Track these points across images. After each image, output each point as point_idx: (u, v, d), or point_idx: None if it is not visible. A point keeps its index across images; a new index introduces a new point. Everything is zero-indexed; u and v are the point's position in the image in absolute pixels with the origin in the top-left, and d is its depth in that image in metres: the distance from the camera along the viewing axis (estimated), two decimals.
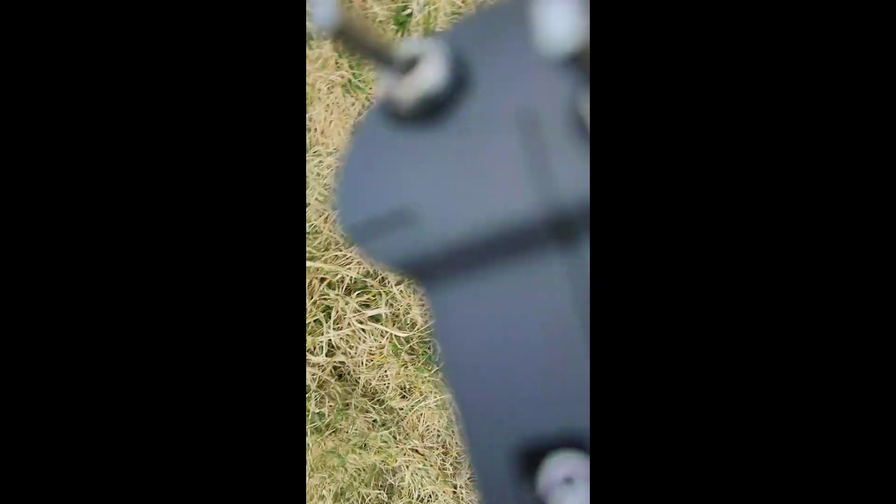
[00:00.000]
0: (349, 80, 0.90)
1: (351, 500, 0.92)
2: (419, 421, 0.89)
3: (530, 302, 0.16)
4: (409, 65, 0.17)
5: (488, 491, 0.17)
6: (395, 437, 0.90)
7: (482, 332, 0.17)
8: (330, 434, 0.91)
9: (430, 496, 0.89)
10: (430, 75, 0.17)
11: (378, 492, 0.91)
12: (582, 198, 0.15)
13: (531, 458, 0.16)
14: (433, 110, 0.17)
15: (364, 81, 0.90)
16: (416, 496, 0.89)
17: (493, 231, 0.16)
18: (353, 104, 0.90)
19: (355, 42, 0.16)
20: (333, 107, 0.91)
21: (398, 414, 0.90)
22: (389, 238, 0.18)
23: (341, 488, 0.92)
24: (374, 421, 0.91)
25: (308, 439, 0.91)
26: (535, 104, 0.16)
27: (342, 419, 0.91)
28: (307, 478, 0.91)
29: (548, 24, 0.12)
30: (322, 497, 0.92)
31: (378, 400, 0.91)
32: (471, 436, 0.17)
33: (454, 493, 0.87)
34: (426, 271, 0.18)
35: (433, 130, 0.17)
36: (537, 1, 0.15)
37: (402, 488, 0.90)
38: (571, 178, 0.15)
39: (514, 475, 0.17)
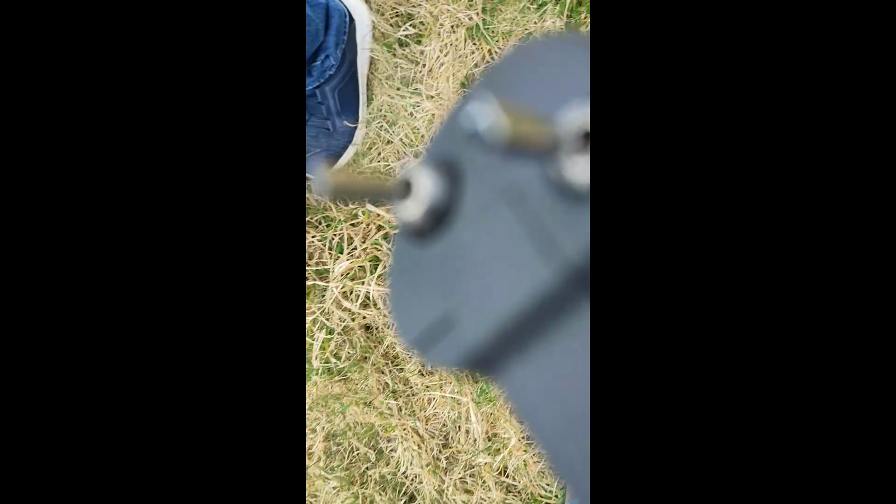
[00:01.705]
0: (477, 25, 0.79)
1: (341, 446, 0.90)
2: (428, 404, 0.85)
3: (582, 355, 0.17)
4: (405, 190, 0.19)
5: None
6: (400, 410, 0.86)
7: (557, 398, 0.18)
8: (339, 381, 0.88)
9: (416, 477, 0.86)
10: (424, 193, 0.19)
11: (367, 450, 0.89)
12: (586, 249, 0.16)
13: None
14: (441, 218, 0.19)
15: (493, 34, 0.78)
16: (401, 471, 0.87)
17: (528, 306, 0.17)
18: (473, 53, 0.80)
19: (352, 196, 0.18)
20: (450, 48, 0.80)
21: (412, 388, 0.86)
22: (445, 342, 0.19)
23: (334, 431, 0.90)
24: (386, 385, 0.87)
25: (316, 377, 0.88)
26: (516, 180, 0.18)
27: (356, 371, 0.87)
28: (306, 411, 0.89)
29: (471, 116, 0.15)
30: (313, 431, 0.91)
31: (398, 366, 0.87)
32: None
33: (440, 486, 0.84)
34: (487, 363, 0.19)
35: (448, 233, 0.19)
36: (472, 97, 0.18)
37: (392, 458, 0.87)
38: (569, 234, 0.17)
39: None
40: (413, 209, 0.19)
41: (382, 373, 0.87)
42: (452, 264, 0.19)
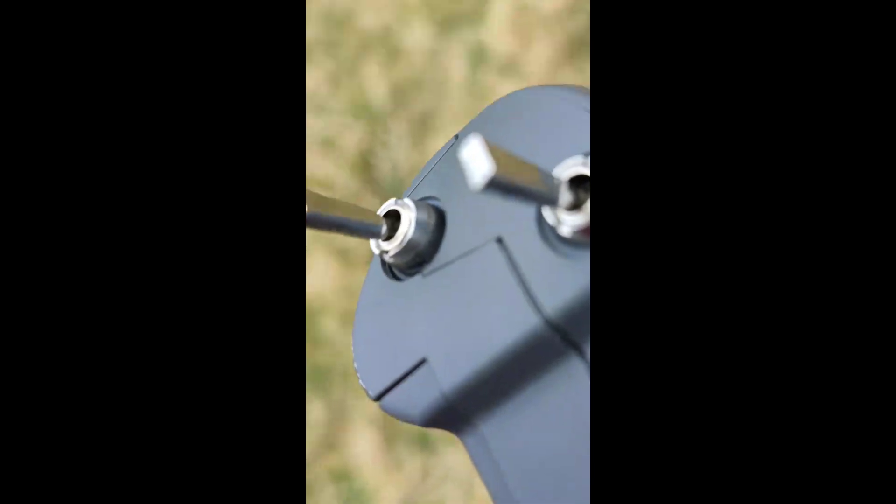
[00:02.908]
0: None
1: None
2: None
3: (565, 413, 0.17)
4: (387, 222, 0.19)
5: None
6: None
7: (529, 461, 0.17)
8: None
9: None
10: (406, 229, 0.18)
11: None
12: (566, 299, 0.16)
13: None
14: (421, 258, 0.19)
15: None
16: None
17: (508, 355, 0.17)
18: None
19: (333, 224, 0.17)
20: None
21: None
22: (414, 394, 0.18)
23: None
24: None
25: None
26: (498, 224, 0.17)
27: None
28: None
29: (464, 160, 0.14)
30: None
31: None
32: None
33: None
34: (457, 417, 0.18)
35: (426, 276, 0.18)
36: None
37: None
38: (549, 283, 0.16)
39: None
40: (393, 243, 0.18)
41: None
42: (430, 303, 0.18)
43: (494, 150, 0.14)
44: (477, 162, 0.14)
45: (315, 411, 0.80)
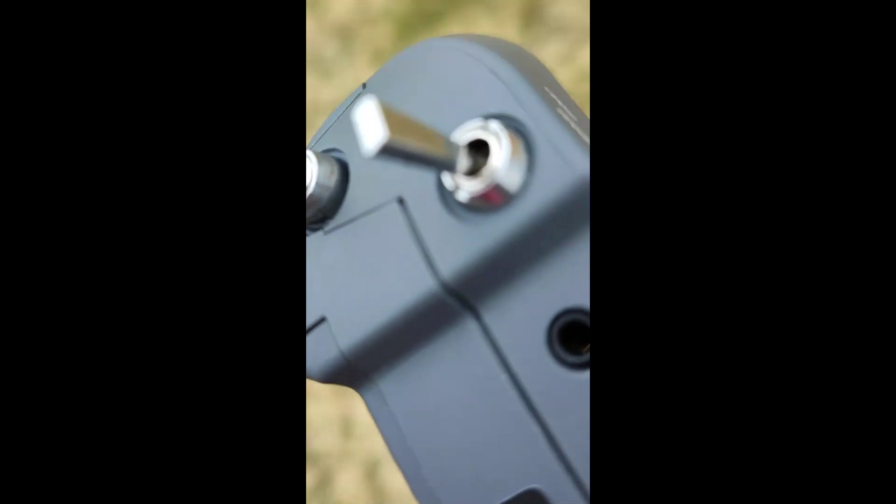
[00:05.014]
0: None
1: None
2: None
3: (460, 372, 0.17)
4: None
5: None
6: None
7: (426, 417, 0.17)
8: None
9: None
10: (309, 183, 0.18)
11: None
12: (462, 263, 0.16)
13: None
14: (323, 213, 0.19)
15: None
16: None
17: (405, 316, 0.17)
18: None
19: None
20: None
21: None
22: (314, 351, 0.18)
23: None
24: None
25: None
26: (399, 183, 0.17)
27: None
28: None
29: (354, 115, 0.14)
30: None
31: None
32: None
33: None
34: (355, 374, 0.18)
35: (327, 233, 0.18)
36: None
37: None
38: (447, 247, 0.16)
39: None
40: None
41: None
42: (331, 262, 0.18)
43: (389, 114, 0.13)
44: (370, 126, 0.13)
45: None
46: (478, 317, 0.17)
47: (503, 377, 0.17)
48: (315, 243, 0.19)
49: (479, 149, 0.16)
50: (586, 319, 0.16)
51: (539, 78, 0.18)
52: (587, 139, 0.16)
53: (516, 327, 0.16)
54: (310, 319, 0.18)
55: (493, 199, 0.16)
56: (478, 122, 0.16)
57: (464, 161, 0.16)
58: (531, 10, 0.84)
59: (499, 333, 0.17)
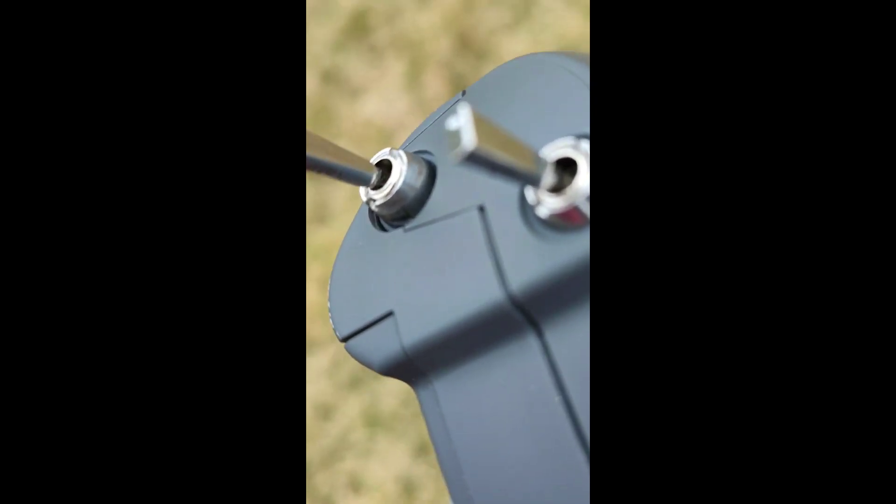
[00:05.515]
0: None
1: None
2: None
3: (514, 386, 0.17)
4: (379, 171, 0.19)
5: None
6: None
7: (474, 425, 0.18)
8: None
9: None
10: (396, 177, 0.18)
11: None
12: (532, 278, 0.16)
13: None
14: (406, 212, 0.19)
15: None
16: None
17: (469, 322, 0.17)
18: None
19: (325, 167, 0.18)
20: None
21: None
22: (377, 343, 0.19)
23: None
24: None
25: None
26: (483, 191, 0.18)
27: None
28: None
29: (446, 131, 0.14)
30: None
31: None
32: None
33: None
34: (413, 371, 0.18)
35: (407, 231, 0.19)
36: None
37: None
38: (520, 260, 0.16)
39: None
40: (381, 193, 0.19)
41: None
42: (406, 260, 0.19)
43: (481, 124, 0.14)
44: (461, 134, 0.13)
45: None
46: (540, 334, 0.17)
47: (556, 399, 0.16)
48: (394, 240, 0.19)
49: (566, 167, 0.16)
50: None
51: None
52: None
53: (576, 351, 0.16)
54: (378, 311, 0.19)
55: (573, 219, 0.16)
56: (569, 141, 0.16)
57: (549, 177, 0.16)
58: None
59: (559, 354, 0.17)
